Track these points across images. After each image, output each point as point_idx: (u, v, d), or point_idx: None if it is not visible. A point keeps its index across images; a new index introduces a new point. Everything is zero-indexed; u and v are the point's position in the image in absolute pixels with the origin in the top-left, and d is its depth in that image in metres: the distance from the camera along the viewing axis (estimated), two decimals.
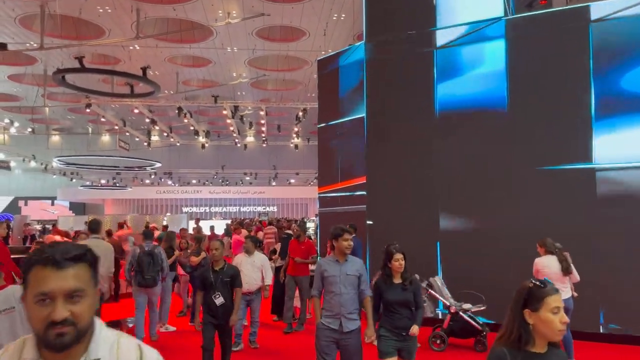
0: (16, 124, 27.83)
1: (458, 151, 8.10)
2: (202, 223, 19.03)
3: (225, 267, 5.17)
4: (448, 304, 6.79)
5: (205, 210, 40.29)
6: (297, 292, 8.02)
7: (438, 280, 7.08)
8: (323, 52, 13.02)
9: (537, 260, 5.83)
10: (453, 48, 8.19)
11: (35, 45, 14.04)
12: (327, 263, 4.21)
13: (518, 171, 7.65)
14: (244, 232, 15.04)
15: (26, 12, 14.01)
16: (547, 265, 5.69)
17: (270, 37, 16.33)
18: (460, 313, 6.66)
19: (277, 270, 8.53)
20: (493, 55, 7.92)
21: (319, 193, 10.22)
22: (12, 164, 32.89)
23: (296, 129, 26.71)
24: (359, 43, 9.41)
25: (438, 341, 6.65)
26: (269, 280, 6.98)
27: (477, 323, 6.61)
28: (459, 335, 6.75)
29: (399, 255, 4.23)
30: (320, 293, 4.29)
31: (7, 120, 26.66)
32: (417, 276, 7.06)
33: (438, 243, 8.09)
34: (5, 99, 23.30)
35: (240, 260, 6.80)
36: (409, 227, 8.21)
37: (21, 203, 36.29)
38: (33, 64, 18.47)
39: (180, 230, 11.38)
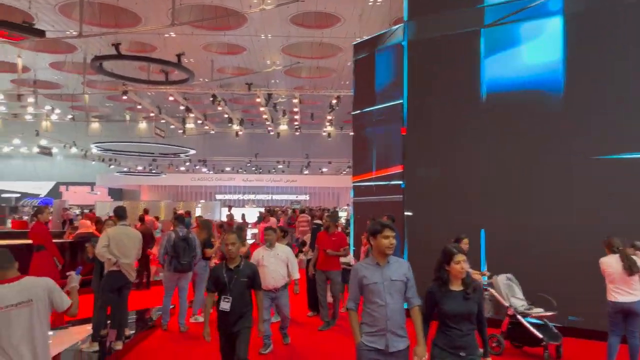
0: (57, 111, 28.62)
1: (506, 138, 7.55)
2: (234, 210, 19.15)
3: (241, 265, 4.39)
4: (507, 304, 6.17)
5: (238, 197, 40.65)
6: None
7: (503, 278, 6.38)
8: (358, 39, 12.71)
9: (601, 259, 5.46)
10: (503, 26, 7.62)
11: (74, 33, 14.22)
12: (365, 268, 3.50)
13: (574, 160, 7.06)
14: (273, 220, 14.83)
15: (66, 0, 14.22)
16: (609, 264, 5.34)
17: (304, 23, 16.12)
18: (518, 317, 6.04)
19: (308, 263, 8.16)
20: (548, 33, 7.29)
21: (353, 182, 10.00)
22: (54, 150, 33.91)
23: (329, 117, 26.49)
24: (397, 26, 9.07)
25: (494, 343, 6.12)
26: (297, 274, 6.33)
27: (544, 330, 5.93)
28: (519, 341, 6.15)
29: (460, 257, 3.46)
30: (357, 305, 3.57)
31: (48, 107, 27.40)
32: (488, 273, 6.46)
33: (483, 238, 7.59)
34: (46, 87, 23.92)
35: (262, 255, 6.13)
36: (450, 219, 7.77)
37: (62, 188, 37.44)
38: (73, 51, 18.84)
39: (197, 218, 11.18)
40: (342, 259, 7.51)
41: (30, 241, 7.54)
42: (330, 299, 7.52)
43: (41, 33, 9.78)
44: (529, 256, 7.10)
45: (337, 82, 22.58)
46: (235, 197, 40.55)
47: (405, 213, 8.32)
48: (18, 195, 36.20)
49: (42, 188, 38.14)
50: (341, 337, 6.91)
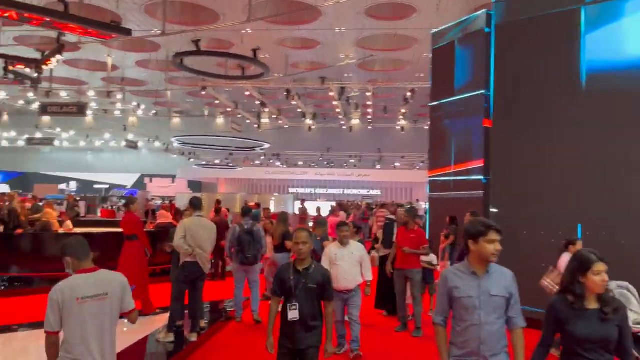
0: (142, 107, 30.33)
1: (608, 126, 6.76)
2: (307, 204, 19.26)
3: (311, 268, 3.75)
4: (632, 318, 5.29)
5: (310, 191, 41.06)
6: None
7: (612, 285, 5.13)
8: (434, 29, 12.25)
9: None
10: (608, 3, 6.82)
11: (158, 32, 14.88)
12: (457, 276, 2.88)
13: None
14: (342, 214, 14.47)
15: (151, 0, 14.91)
16: None
17: (379, 15, 15.81)
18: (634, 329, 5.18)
19: (380, 260, 7.81)
20: None
21: (429, 177, 9.64)
22: (140, 144, 36.04)
23: (403, 111, 25.96)
24: (481, 11, 8.55)
25: None
26: (370, 275, 5.84)
27: None
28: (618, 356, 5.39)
29: (601, 266, 2.71)
30: (446, 320, 2.96)
31: (134, 104, 29.09)
32: (614, 283, 5.32)
33: (579, 235, 6.74)
34: (133, 84, 25.38)
35: (335, 253, 5.65)
36: (543, 216, 7.07)
37: (146, 180, 39.73)
38: (157, 50, 19.78)
39: (264, 210, 11.10)
40: (424, 258, 7.07)
41: (120, 230, 7.82)
42: (409, 300, 7.04)
43: (128, 32, 10.29)
44: (634, 256, 6.32)
45: (412, 75, 22.04)
46: (307, 190, 40.98)
47: (491, 210, 7.75)
48: (107, 186, 38.88)
49: (128, 180, 40.75)
50: (420, 342, 6.50)
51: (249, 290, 7.34)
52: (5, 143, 37.27)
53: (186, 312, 6.26)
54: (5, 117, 28.41)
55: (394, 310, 7.36)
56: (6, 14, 8.98)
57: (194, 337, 6.01)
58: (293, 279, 3.70)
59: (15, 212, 10.26)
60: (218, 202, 13.83)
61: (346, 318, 6.01)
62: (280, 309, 3.81)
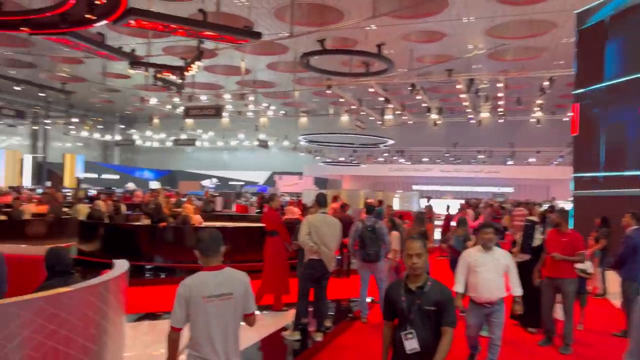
0: (272, 108, 31.89)
1: None
2: (432, 202, 18.62)
3: (426, 285, 3.09)
4: None
5: (435, 188, 39.78)
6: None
7: None
8: (577, 10, 10.96)
9: None
10: None
11: (286, 34, 15.42)
12: None
13: None
14: (470, 212, 13.43)
15: (280, 4, 15.53)
16: None
17: (511, 0, 14.67)
18: None
19: (518, 267, 7.12)
20: None
21: (574, 173, 8.65)
22: (270, 143, 38.00)
23: (539, 102, 23.90)
24: None
25: None
26: (519, 289, 4.96)
27: None
28: None
29: None
30: None
31: (265, 104, 30.70)
32: None
33: None
34: (264, 86, 26.79)
35: (475, 259, 4.88)
36: None
37: (276, 177, 41.79)
38: (285, 52, 20.60)
39: (387, 207, 10.73)
40: (578, 266, 6.20)
41: (251, 224, 8.12)
42: (559, 315, 6.16)
43: (258, 35, 10.82)
44: None
45: (549, 63, 20.21)
46: (432, 188, 39.75)
47: None
48: (242, 183, 41.64)
49: (260, 177, 43.26)
50: None
51: (376, 289, 7.18)
52: (156, 144, 41.90)
53: (312, 310, 6.25)
54: (156, 121, 31.75)
55: (532, 322, 6.66)
56: (156, 27, 9.96)
57: (319, 337, 5.99)
58: (405, 300, 3.08)
59: (160, 207, 11.35)
60: (335, 197, 13.54)
61: (482, 333, 5.33)
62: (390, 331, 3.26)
